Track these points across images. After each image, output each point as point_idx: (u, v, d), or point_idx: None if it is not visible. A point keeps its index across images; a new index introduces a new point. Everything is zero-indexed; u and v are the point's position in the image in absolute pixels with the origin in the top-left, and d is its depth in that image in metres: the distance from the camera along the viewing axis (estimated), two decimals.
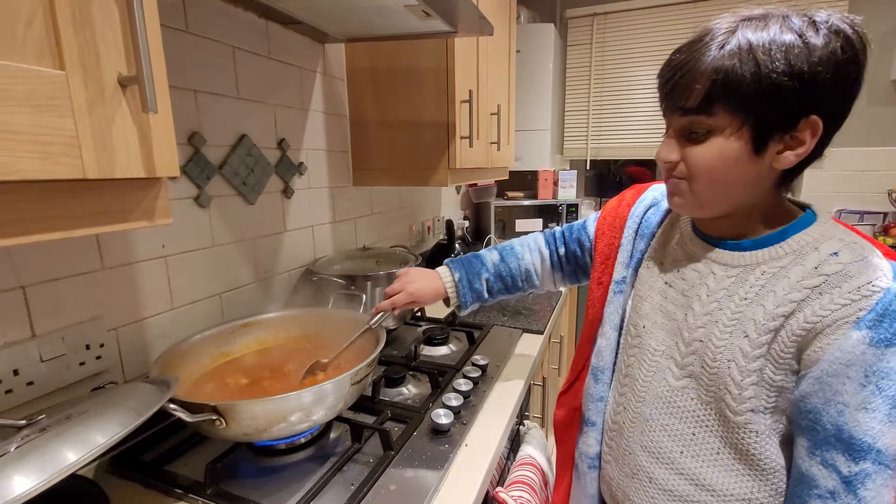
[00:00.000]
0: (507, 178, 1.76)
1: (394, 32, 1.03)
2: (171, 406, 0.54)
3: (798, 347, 0.48)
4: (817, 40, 0.44)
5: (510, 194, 2.39)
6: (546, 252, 0.85)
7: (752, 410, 0.51)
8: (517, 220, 2.27)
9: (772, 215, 0.54)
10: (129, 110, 0.40)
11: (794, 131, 0.47)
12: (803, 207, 0.56)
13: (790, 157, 0.49)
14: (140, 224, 0.45)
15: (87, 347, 0.68)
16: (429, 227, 1.80)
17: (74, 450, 0.44)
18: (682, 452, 0.57)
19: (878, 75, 2.13)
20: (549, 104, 2.29)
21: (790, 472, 0.52)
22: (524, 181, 2.52)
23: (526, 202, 2.29)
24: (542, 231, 0.88)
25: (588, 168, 2.76)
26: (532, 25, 2.26)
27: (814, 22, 0.45)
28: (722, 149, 0.49)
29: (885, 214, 2.15)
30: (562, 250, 0.84)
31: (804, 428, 0.48)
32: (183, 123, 0.80)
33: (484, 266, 0.84)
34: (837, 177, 2.22)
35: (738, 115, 0.47)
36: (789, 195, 0.57)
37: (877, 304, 0.44)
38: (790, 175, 0.52)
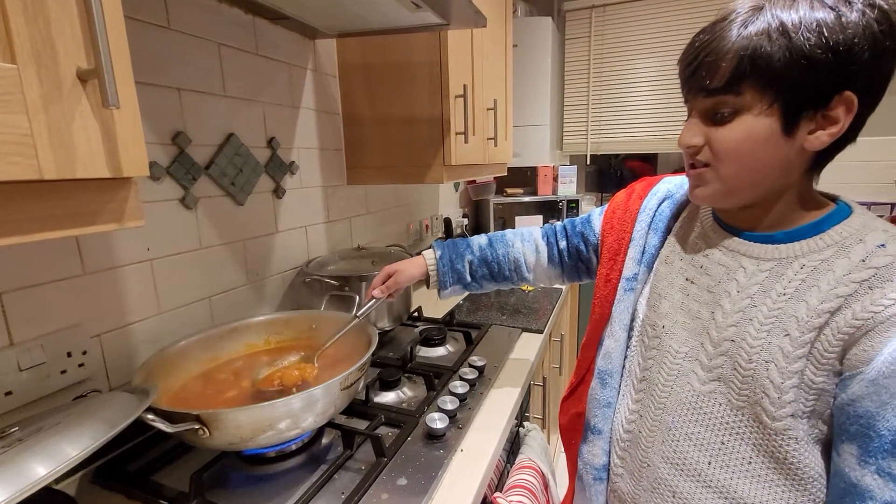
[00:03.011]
0: (506, 174, 1.74)
1: (385, 26, 1.00)
2: (149, 417, 0.52)
3: (843, 346, 0.45)
4: (852, 15, 0.42)
5: (510, 191, 2.36)
6: (543, 246, 0.81)
7: (791, 415, 0.47)
8: (517, 217, 2.25)
9: (802, 205, 0.51)
10: (90, 106, 0.38)
11: (826, 110, 0.45)
12: (832, 199, 0.53)
13: (823, 138, 0.46)
14: (108, 227, 0.42)
15: (69, 355, 0.66)
16: (427, 226, 1.78)
17: (44, 464, 0.42)
18: (709, 463, 0.53)
19: None
20: (547, 99, 2.26)
21: (828, 480, 0.48)
22: (524, 177, 2.49)
23: (526, 199, 2.26)
24: (541, 225, 0.85)
25: (588, 163, 2.73)
26: (529, 19, 2.22)
27: (848, 0, 0.43)
28: (750, 128, 0.47)
29: (893, 205, 2.11)
30: (563, 244, 0.80)
31: (854, 434, 0.44)
32: (166, 123, 0.78)
33: (469, 248, 0.81)
34: (844, 167, 2.18)
35: (768, 93, 0.45)
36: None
37: None
38: (822, 161, 0.50)
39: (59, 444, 0.44)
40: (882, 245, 0.45)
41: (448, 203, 2.01)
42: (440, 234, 1.84)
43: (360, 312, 0.78)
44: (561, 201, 2.25)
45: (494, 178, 2.21)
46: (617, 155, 2.76)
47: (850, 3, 0.42)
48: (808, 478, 0.48)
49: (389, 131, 1.18)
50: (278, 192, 1.03)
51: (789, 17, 0.43)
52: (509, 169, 1.78)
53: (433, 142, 1.14)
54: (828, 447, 0.49)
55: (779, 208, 0.52)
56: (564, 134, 2.67)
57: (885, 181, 2.12)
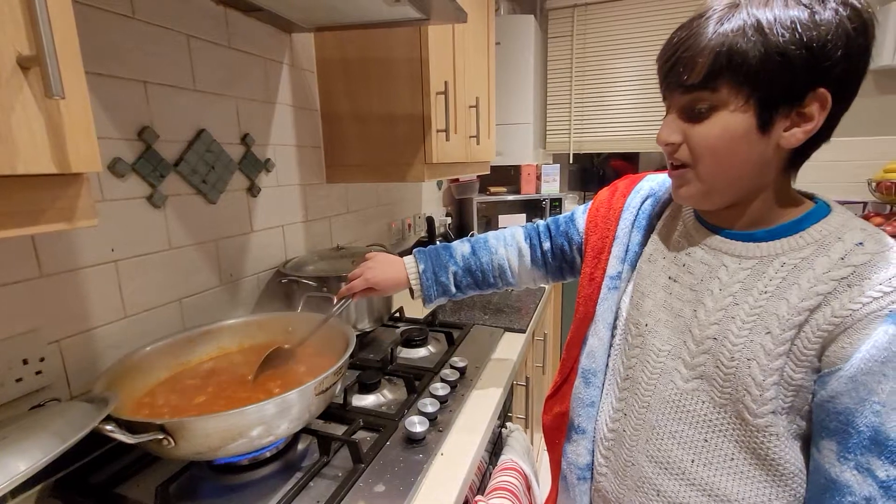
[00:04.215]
0: (489, 173, 1.73)
1: (363, 20, 0.98)
2: (108, 428, 0.49)
3: (822, 343, 0.45)
4: (826, 13, 0.43)
5: (493, 190, 2.36)
6: (526, 247, 0.79)
7: (772, 412, 0.48)
8: (500, 216, 2.24)
9: (780, 203, 0.52)
10: (32, 96, 0.35)
11: (801, 107, 0.45)
12: (810, 197, 0.53)
13: (798, 135, 0.46)
14: (57, 227, 0.39)
15: (25, 362, 0.62)
16: (409, 225, 1.76)
17: None
18: (693, 461, 0.53)
19: None
20: (530, 97, 2.26)
21: (808, 475, 0.49)
22: (507, 176, 2.49)
23: (509, 197, 2.26)
24: (522, 225, 0.83)
25: (571, 162, 2.74)
26: (511, 17, 2.22)
27: None
28: (726, 125, 0.47)
29: (865, 204, 2.17)
30: (546, 245, 0.78)
31: (833, 430, 0.45)
32: (132, 117, 0.74)
33: (452, 258, 0.79)
34: (816, 167, 2.22)
35: (744, 90, 0.45)
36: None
37: None
38: (798, 158, 0.50)
39: (7, 458, 0.41)
40: (860, 243, 0.46)
41: (431, 202, 2.00)
42: (422, 234, 1.82)
43: (335, 310, 0.76)
44: (544, 200, 2.26)
45: (478, 176, 2.20)
46: (599, 154, 2.78)
47: (823, 1, 0.43)
48: (788, 473, 0.49)
49: (369, 128, 1.16)
50: (253, 190, 1.00)
51: (765, 14, 0.43)
52: (492, 167, 1.77)
53: (414, 139, 1.13)
54: (807, 442, 0.49)
55: (758, 206, 0.52)
56: (547, 132, 2.67)
57: (858, 181, 2.18)
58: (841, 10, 0.43)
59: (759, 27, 0.43)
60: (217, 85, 0.89)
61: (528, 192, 2.34)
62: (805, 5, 0.43)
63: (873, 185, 2.07)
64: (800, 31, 0.42)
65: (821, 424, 0.46)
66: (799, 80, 0.44)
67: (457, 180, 2.16)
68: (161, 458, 0.68)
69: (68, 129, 0.38)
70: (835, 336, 0.44)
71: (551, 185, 2.36)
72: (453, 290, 0.79)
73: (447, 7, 0.88)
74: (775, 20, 0.43)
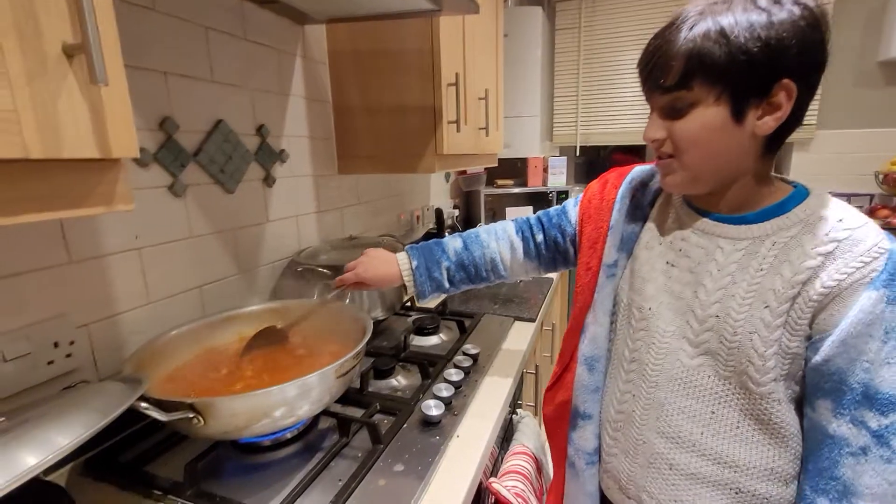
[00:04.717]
0: (497, 165, 1.73)
1: (375, 11, 0.98)
2: (143, 405, 0.51)
3: (813, 313, 0.50)
4: (781, 14, 0.47)
5: (500, 182, 2.37)
6: (518, 241, 0.81)
7: (774, 380, 0.52)
8: (507, 209, 2.25)
9: (762, 187, 0.56)
10: (76, 83, 0.37)
11: (770, 97, 0.50)
12: (790, 183, 0.58)
13: (770, 122, 0.50)
14: (97, 210, 0.41)
15: (56, 345, 0.64)
16: (418, 216, 1.77)
17: (34, 453, 0.41)
18: (702, 433, 0.57)
19: (865, 57, 2.13)
20: (537, 90, 2.26)
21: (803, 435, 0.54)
22: (514, 169, 2.49)
23: (516, 190, 2.27)
24: (513, 219, 0.84)
25: (577, 154, 2.74)
26: (519, 8, 2.21)
27: (778, 1, 0.48)
28: (704, 118, 0.52)
29: (872, 196, 2.17)
30: (539, 237, 0.80)
31: (828, 390, 0.50)
32: (153, 107, 0.76)
33: (445, 254, 0.80)
34: (823, 159, 2.23)
35: (715, 87, 0.50)
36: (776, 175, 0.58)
37: (886, 264, 0.47)
38: (774, 143, 0.54)
39: (49, 433, 0.43)
40: (840, 220, 0.51)
41: (439, 194, 2.01)
42: (431, 225, 1.83)
43: (328, 297, 0.81)
44: (551, 192, 2.26)
45: (485, 169, 2.20)
46: (605, 147, 2.78)
47: (779, 3, 0.48)
48: (788, 434, 0.54)
49: (380, 120, 1.17)
50: (268, 180, 1.01)
51: (726, 19, 0.48)
52: (499, 160, 1.77)
53: (425, 131, 1.14)
54: (800, 405, 0.54)
55: (739, 189, 0.56)
56: (554, 125, 2.67)
57: (865, 173, 2.17)
58: (795, 10, 0.47)
59: (722, 31, 0.48)
60: (233, 76, 0.90)
61: (534, 184, 2.35)
62: (762, 9, 0.47)
63: (880, 177, 2.07)
64: (758, 31, 0.47)
65: (815, 386, 0.51)
66: (763, 75, 0.48)
67: (464, 172, 2.17)
68: (186, 438, 0.70)
69: (109, 115, 0.39)
70: (824, 305, 0.49)
71: (558, 178, 2.36)
72: (447, 285, 0.80)
73: None
74: (736, 24, 0.47)
